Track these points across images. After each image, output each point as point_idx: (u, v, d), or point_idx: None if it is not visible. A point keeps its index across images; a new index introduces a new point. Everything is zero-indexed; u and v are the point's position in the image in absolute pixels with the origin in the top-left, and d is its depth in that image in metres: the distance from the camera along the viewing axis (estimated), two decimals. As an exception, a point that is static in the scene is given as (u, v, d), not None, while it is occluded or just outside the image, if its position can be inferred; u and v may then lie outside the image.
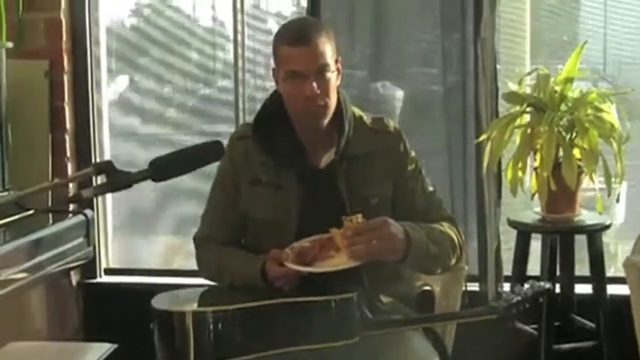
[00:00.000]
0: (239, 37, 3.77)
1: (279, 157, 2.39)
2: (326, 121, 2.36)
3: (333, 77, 2.34)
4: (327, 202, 2.36)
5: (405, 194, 2.42)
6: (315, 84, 2.28)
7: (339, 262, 2.21)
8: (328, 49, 2.31)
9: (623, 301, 2.60)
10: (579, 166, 3.12)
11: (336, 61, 2.36)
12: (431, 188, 2.47)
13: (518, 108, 3.24)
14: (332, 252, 2.23)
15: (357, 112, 2.47)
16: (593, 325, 3.28)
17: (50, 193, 3.43)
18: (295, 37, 2.30)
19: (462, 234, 2.45)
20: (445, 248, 2.36)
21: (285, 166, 2.39)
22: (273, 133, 2.40)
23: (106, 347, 2.85)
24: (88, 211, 3.27)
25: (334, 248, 2.23)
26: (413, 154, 2.47)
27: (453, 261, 2.41)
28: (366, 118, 2.47)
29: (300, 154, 2.40)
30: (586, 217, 3.25)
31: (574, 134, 3.14)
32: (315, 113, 2.33)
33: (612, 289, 3.25)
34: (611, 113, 3.15)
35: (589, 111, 3.16)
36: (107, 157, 3.90)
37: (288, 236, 2.36)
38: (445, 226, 2.39)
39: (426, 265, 2.36)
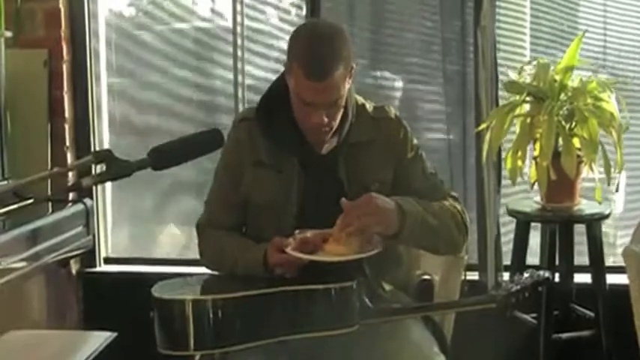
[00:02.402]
0: (238, 28, 3.77)
1: (281, 142, 2.39)
2: (329, 136, 2.37)
3: (344, 98, 2.32)
4: (327, 189, 2.36)
5: (406, 179, 2.42)
6: (324, 113, 2.28)
7: (341, 252, 2.21)
8: (343, 77, 2.26)
9: (622, 291, 2.59)
10: (579, 156, 3.12)
11: (351, 69, 2.31)
12: (432, 171, 2.47)
13: (517, 97, 3.24)
14: (334, 244, 2.23)
15: (360, 99, 2.48)
16: (592, 314, 3.28)
17: (49, 182, 3.42)
18: (312, 70, 2.22)
19: (466, 213, 2.44)
20: (445, 220, 2.35)
21: (286, 151, 2.40)
22: (276, 118, 2.40)
23: (105, 336, 2.85)
24: (87, 200, 3.27)
25: (336, 240, 2.23)
26: (414, 140, 2.47)
27: (459, 236, 2.39)
28: (368, 106, 2.47)
29: (302, 140, 2.40)
30: (585, 206, 3.26)
31: (574, 123, 3.14)
32: (319, 135, 2.36)
33: (611, 279, 3.26)
34: (610, 103, 3.15)
35: (589, 100, 3.15)
36: (106, 146, 3.90)
37: (288, 221, 2.37)
38: (446, 203, 2.39)
39: (427, 239, 2.35)
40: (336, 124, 2.35)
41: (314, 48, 2.26)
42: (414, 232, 2.28)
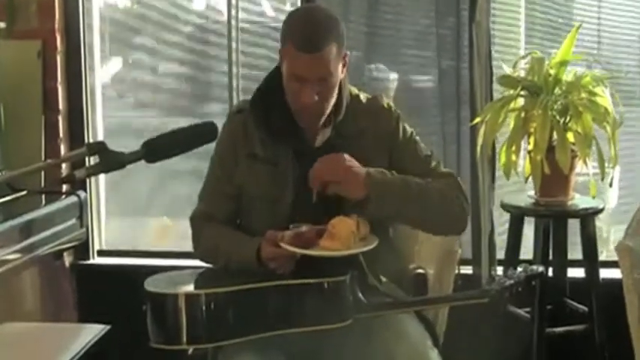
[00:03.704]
0: (232, 21, 3.76)
1: (275, 134, 2.39)
2: (321, 121, 2.37)
3: (336, 81, 2.32)
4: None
5: (400, 162, 2.41)
6: (314, 91, 2.28)
7: (335, 247, 2.21)
8: (334, 55, 2.28)
9: (615, 285, 2.60)
10: (573, 150, 3.12)
11: (344, 57, 2.33)
12: (427, 153, 2.46)
13: (512, 91, 3.24)
14: (328, 240, 2.23)
15: (354, 90, 2.48)
16: (585, 309, 3.29)
17: (43, 174, 3.42)
18: (304, 41, 2.25)
19: (464, 191, 2.44)
20: (432, 194, 2.34)
21: (281, 143, 2.40)
22: (271, 110, 2.40)
23: (99, 328, 2.85)
24: (81, 192, 3.27)
25: (331, 237, 2.23)
26: (406, 125, 2.47)
27: (454, 212, 2.38)
28: (362, 97, 2.48)
29: (296, 132, 2.40)
30: (579, 201, 3.26)
31: (568, 118, 3.14)
32: (310, 117, 2.35)
33: (604, 273, 3.26)
34: (605, 97, 3.15)
35: (583, 95, 3.15)
36: (100, 137, 3.89)
37: (282, 213, 2.37)
38: (442, 181, 2.39)
39: (409, 212, 2.33)
40: (327, 107, 2.34)
41: (307, 23, 2.32)
42: (386, 200, 2.27)
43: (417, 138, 2.48)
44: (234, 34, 3.75)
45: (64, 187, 3.36)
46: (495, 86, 3.44)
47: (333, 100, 2.36)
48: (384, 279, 2.44)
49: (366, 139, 2.41)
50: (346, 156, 2.28)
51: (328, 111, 2.37)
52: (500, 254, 3.43)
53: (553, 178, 3.14)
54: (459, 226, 2.45)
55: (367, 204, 2.27)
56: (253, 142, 2.42)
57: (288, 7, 3.83)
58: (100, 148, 1.85)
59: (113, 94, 4.03)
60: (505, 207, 3.32)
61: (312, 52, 2.25)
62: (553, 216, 3.27)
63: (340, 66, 2.32)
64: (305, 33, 2.28)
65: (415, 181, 2.34)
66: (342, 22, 2.36)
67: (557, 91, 3.19)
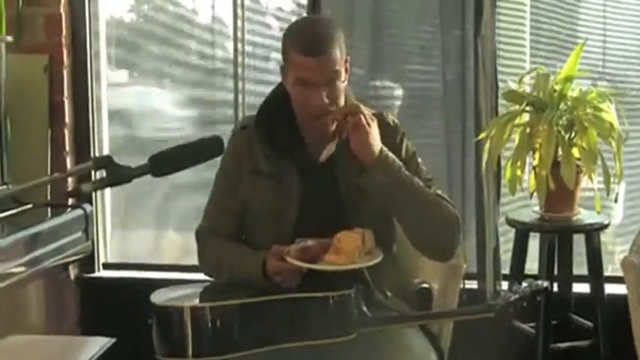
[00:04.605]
0: (239, 33, 3.77)
1: (279, 149, 2.40)
2: (333, 127, 2.37)
3: (343, 85, 2.34)
4: (326, 196, 2.36)
5: None
6: (324, 93, 2.28)
7: (341, 262, 2.21)
8: (339, 56, 2.30)
9: (621, 301, 2.60)
10: (578, 166, 3.13)
11: (345, 61, 2.35)
12: (428, 177, 2.45)
13: (517, 107, 3.24)
14: (334, 255, 2.23)
15: (358, 106, 2.48)
16: (590, 324, 3.28)
17: (49, 187, 3.43)
18: (308, 46, 2.27)
19: (460, 222, 2.41)
20: (434, 203, 2.33)
21: (285, 159, 2.40)
22: (275, 126, 2.41)
23: (104, 342, 2.85)
24: (86, 206, 3.27)
25: (336, 251, 2.23)
26: (410, 145, 2.47)
27: (450, 233, 2.35)
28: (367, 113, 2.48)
29: (300, 147, 2.41)
30: (584, 216, 3.26)
31: (573, 133, 3.15)
32: (323, 122, 2.34)
33: (610, 289, 3.26)
34: (610, 113, 3.15)
35: (588, 110, 3.16)
36: (106, 151, 3.90)
37: (286, 229, 2.37)
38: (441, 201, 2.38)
39: (414, 208, 2.32)
40: (337, 109, 2.34)
41: (309, 29, 2.35)
42: (389, 180, 2.27)
43: (419, 160, 2.47)
44: (239, 46, 3.76)
45: (70, 201, 3.37)
46: (500, 101, 3.44)
47: (342, 105, 2.36)
48: (389, 294, 2.43)
49: None
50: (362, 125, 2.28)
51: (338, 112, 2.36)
52: (505, 269, 3.43)
53: (558, 193, 3.14)
54: (446, 251, 2.40)
55: (372, 173, 2.27)
56: (257, 157, 2.43)
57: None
58: (106, 162, 1.85)
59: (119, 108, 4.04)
60: (510, 222, 3.32)
61: (318, 55, 2.26)
62: (558, 231, 3.27)
63: (344, 64, 2.34)
64: (309, 38, 2.29)
65: (422, 185, 2.34)
66: (345, 33, 2.38)
67: (562, 106, 3.19)
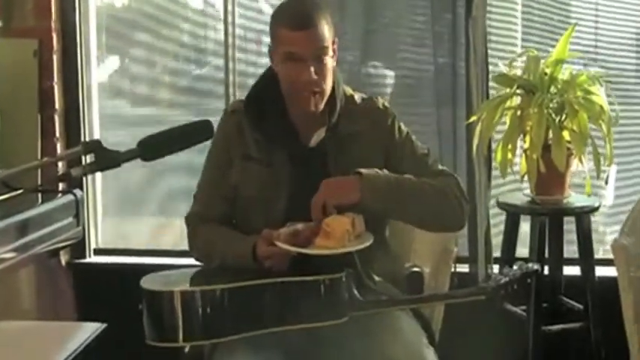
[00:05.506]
0: (229, 17, 3.76)
1: (269, 134, 2.39)
2: (321, 106, 2.36)
3: (331, 61, 2.34)
4: (317, 181, 2.35)
5: (395, 162, 2.42)
6: (312, 68, 2.28)
7: (331, 246, 2.21)
8: (327, 32, 2.31)
9: (611, 283, 2.60)
10: (569, 149, 3.13)
11: (333, 43, 2.35)
12: (424, 151, 2.46)
13: (508, 90, 3.24)
14: (323, 238, 2.23)
15: (349, 90, 2.48)
16: (581, 307, 3.29)
17: (39, 172, 3.42)
18: (295, 20, 2.28)
19: (462, 188, 2.43)
20: (428, 191, 2.34)
21: (275, 144, 2.40)
22: (265, 111, 2.40)
23: (95, 327, 2.83)
24: (77, 191, 3.27)
25: (326, 235, 2.23)
26: (402, 125, 2.47)
27: (453, 206, 2.37)
28: (357, 97, 2.48)
29: (290, 132, 2.40)
30: (575, 199, 3.26)
31: (564, 116, 3.15)
32: (311, 99, 2.33)
33: (600, 271, 3.27)
34: (600, 96, 3.15)
35: (579, 93, 3.16)
36: (96, 136, 3.89)
37: (277, 214, 2.37)
38: (438, 179, 2.39)
39: (411, 206, 2.33)
40: (326, 88, 2.34)
41: (296, 6, 2.36)
42: (381, 197, 2.27)
43: (414, 137, 2.48)
44: (230, 29, 3.75)
45: (61, 186, 3.36)
46: (491, 84, 3.44)
47: (330, 84, 2.36)
48: (377, 278, 2.43)
49: (361, 140, 2.41)
50: (327, 180, 2.29)
51: (327, 96, 2.36)
52: (497, 252, 3.44)
53: (549, 176, 3.14)
54: (456, 223, 2.45)
55: (363, 203, 2.27)
56: (247, 142, 2.42)
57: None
58: (95, 146, 1.86)
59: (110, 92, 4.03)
60: (501, 205, 3.33)
61: (307, 29, 2.27)
62: (549, 214, 3.27)
63: (332, 45, 2.34)
64: (297, 12, 2.31)
65: (410, 179, 2.34)
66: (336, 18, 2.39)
67: (552, 89, 3.19)
